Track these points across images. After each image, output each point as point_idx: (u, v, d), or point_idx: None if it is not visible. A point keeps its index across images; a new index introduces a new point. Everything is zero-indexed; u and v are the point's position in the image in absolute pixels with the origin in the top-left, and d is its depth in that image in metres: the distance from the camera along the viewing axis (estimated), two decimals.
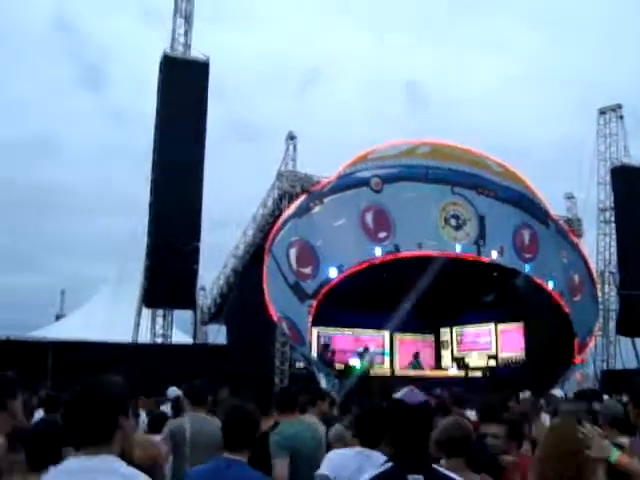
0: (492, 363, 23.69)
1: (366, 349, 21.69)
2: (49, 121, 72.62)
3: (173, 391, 10.27)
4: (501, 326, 24.06)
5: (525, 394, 7.89)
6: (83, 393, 2.40)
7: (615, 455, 3.27)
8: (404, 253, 18.88)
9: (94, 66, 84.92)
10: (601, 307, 24.83)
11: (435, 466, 2.73)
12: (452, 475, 2.72)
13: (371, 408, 4.13)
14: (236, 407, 3.92)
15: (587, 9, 65.43)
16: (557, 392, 7.75)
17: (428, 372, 22.33)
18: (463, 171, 19.74)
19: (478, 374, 21.70)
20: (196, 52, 21.01)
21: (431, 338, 25.72)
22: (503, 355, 23.82)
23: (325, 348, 21.12)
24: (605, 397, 8.61)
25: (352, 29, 77.78)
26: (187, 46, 21.09)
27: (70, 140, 70.13)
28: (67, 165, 69.41)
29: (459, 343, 25.32)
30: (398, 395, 2.80)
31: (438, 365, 24.83)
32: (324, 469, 4.01)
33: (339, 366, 19.87)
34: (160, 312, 20.67)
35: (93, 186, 68.13)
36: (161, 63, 20.65)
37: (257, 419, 3.95)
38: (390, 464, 2.71)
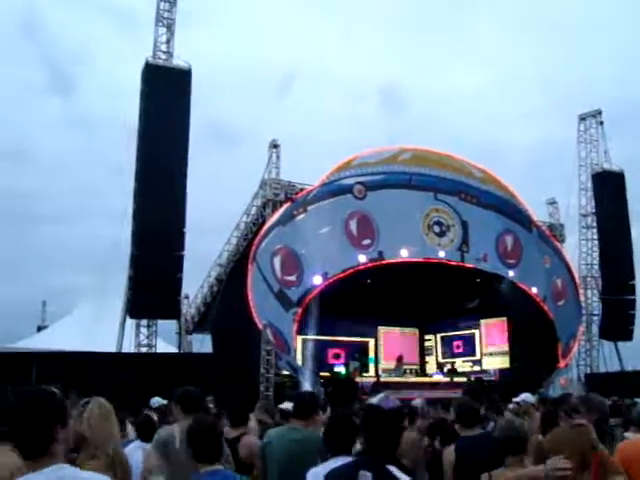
0: (476, 368, 23.83)
1: (347, 364, 21.76)
2: (20, 127, 71.65)
3: (156, 401, 10.17)
4: (485, 321, 24.29)
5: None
6: (16, 404, 2.30)
7: None
8: (388, 260, 18.95)
9: (64, 71, 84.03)
10: (584, 312, 25.03)
11: (388, 466, 2.98)
12: (400, 475, 2.96)
13: (340, 416, 3.97)
14: (198, 421, 3.97)
15: (570, 14, 66.00)
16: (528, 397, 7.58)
17: (412, 379, 22.33)
18: (445, 177, 19.81)
19: (463, 379, 21.72)
20: (178, 60, 20.94)
21: (415, 332, 25.88)
22: (488, 350, 24.06)
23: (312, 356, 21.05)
24: None
25: (329, 32, 77.91)
26: (169, 54, 21.01)
27: (42, 147, 69.03)
28: (41, 173, 68.36)
29: (443, 349, 25.42)
30: (374, 400, 3.37)
31: (423, 371, 24.87)
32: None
33: (324, 374, 19.82)
34: (144, 322, 20.55)
35: (69, 194, 67.36)
36: (143, 71, 20.56)
37: (220, 430, 4.05)
38: (350, 459, 3.10)
